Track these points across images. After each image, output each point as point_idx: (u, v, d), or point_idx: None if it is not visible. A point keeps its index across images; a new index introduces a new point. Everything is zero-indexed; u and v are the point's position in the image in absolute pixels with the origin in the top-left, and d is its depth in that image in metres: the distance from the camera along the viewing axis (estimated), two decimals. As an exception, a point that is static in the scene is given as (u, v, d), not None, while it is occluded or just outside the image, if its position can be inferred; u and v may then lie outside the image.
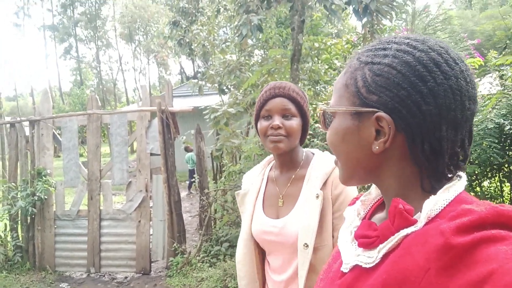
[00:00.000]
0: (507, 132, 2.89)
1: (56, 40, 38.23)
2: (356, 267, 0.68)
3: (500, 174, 3.40)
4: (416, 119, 0.62)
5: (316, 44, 6.13)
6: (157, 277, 4.99)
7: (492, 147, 2.85)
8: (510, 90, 3.25)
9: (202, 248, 5.12)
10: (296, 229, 1.34)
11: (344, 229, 0.80)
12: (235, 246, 5.09)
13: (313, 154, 1.50)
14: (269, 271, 1.47)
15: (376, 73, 0.65)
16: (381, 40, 0.71)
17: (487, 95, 3.57)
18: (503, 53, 3.92)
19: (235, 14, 4.88)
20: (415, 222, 0.62)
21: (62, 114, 5.82)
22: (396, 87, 0.63)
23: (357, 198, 0.88)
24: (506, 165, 3.23)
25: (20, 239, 5.42)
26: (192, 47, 6.59)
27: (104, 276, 5.16)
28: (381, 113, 0.64)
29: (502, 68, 3.56)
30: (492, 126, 2.79)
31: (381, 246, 0.64)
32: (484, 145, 2.88)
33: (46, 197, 5.21)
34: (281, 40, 7.46)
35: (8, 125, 5.54)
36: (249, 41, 6.41)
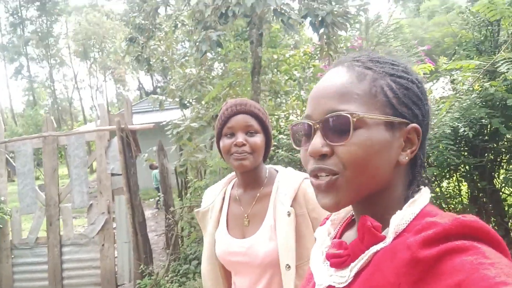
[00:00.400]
0: (461, 134, 3.01)
1: (6, 60, 36.68)
2: None
3: (457, 174, 3.54)
4: (426, 132, 0.70)
5: (275, 56, 6.22)
6: (125, 302, 4.81)
7: (448, 149, 2.96)
8: (461, 94, 3.40)
9: (170, 267, 4.99)
10: (264, 249, 1.31)
11: (316, 250, 0.79)
12: (205, 263, 4.97)
13: (277, 171, 1.48)
14: None
15: (404, 86, 0.67)
16: (374, 54, 0.72)
17: (440, 98, 3.72)
18: (453, 58, 4.12)
19: (193, 29, 4.86)
20: (383, 238, 0.62)
21: (15, 138, 5.56)
22: (421, 102, 0.69)
23: (327, 218, 0.87)
24: (462, 166, 3.37)
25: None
26: (151, 62, 6.48)
27: (67, 305, 4.91)
28: (416, 125, 0.67)
29: (452, 73, 3.72)
30: (450, 131, 2.91)
31: (352, 264, 0.64)
32: (440, 147, 2.99)
33: (1, 225, 4.91)
34: (240, 53, 7.50)
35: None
36: (209, 55, 6.39)
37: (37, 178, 6.40)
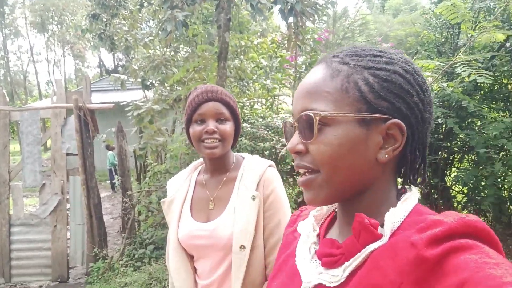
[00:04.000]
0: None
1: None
2: (318, 286, 0.66)
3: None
4: (418, 126, 0.65)
5: (243, 42, 6.16)
6: (76, 284, 4.69)
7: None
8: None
9: (126, 252, 4.90)
10: (228, 231, 1.32)
11: (301, 246, 0.77)
12: (161, 248, 4.94)
13: (243, 158, 1.50)
14: (196, 277, 1.44)
15: (383, 79, 0.63)
16: (359, 47, 0.69)
17: None
18: (415, 58, 4.25)
19: (159, 9, 4.71)
20: (380, 236, 0.61)
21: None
22: (406, 94, 0.64)
23: (301, 210, 0.87)
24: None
25: None
26: (114, 41, 6.24)
27: (15, 286, 4.73)
28: (397, 120, 0.63)
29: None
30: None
31: (346, 264, 0.63)
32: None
33: None
34: (206, 36, 7.36)
35: None
36: (175, 36, 6.24)
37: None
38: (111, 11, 5.81)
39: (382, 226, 0.63)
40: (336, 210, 0.78)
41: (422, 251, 0.53)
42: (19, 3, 35.54)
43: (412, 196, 0.66)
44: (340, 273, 0.63)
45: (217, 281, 1.35)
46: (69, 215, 4.88)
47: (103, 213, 6.41)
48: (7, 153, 4.84)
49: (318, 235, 0.77)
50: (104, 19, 5.74)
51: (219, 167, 1.45)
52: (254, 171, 1.40)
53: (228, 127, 1.39)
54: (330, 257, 0.66)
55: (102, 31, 5.82)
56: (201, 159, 1.55)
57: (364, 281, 0.58)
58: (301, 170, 0.67)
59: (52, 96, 5.03)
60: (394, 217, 0.62)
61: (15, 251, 4.79)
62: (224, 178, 1.43)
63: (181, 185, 1.50)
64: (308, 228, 0.78)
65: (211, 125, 1.35)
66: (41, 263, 4.78)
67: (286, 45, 5.08)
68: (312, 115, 0.63)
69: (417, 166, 0.70)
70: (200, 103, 1.38)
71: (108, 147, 9.56)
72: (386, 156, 0.64)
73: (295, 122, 0.68)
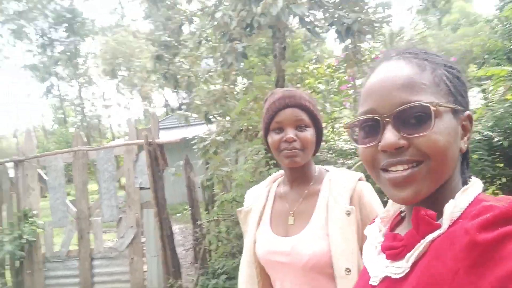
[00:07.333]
0: (495, 144, 2.93)
1: (37, 79, 38.09)
2: (385, 279, 0.68)
3: (494, 186, 3.43)
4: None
5: (299, 70, 6.24)
6: (154, 315, 4.82)
7: (482, 159, 2.88)
8: (493, 103, 3.33)
9: (199, 282, 4.98)
10: (309, 249, 1.20)
11: (368, 246, 0.80)
12: (233, 278, 4.95)
13: (327, 170, 1.39)
14: None
15: (455, 76, 0.69)
16: (416, 47, 0.73)
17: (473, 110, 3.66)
18: (482, 67, 4.05)
19: (218, 43, 4.95)
20: (439, 226, 0.62)
21: (47, 153, 5.73)
22: (467, 92, 0.71)
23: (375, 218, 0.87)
24: (498, 177, 3.26)
25: (8, 285, 5.21)
26: (177, 79, 6.61)
27: (97, 318, 4.97)
28: (470, 112, 0.70)
29: (483, 82, 3.67)
30: (480, 137, 2.85)
31: (408, 255, 0.64)
32: (474, 158, 2.91)
33: (34, 239, 5.05)
34: (263, 67, 7.56)
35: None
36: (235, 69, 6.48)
37: (68, 194, 6.56)
38: (172, 51, 6.17)
39: None
40: (403, 210, 0.79)
41: (474, 236, 0.53)
42: (91, 53, 38.96)
43: (474, 186, 0.67)
44: (403, 265, 0.64)
45: None
46: (144, 247, 5.10)
47: (176, 245, 6.59)
48: (86, 191, 5.21)
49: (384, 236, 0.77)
50: (167, 59, 6.11)
51: (300, 178, 1.35)
52: (344, 184, 1.27)
53: (309, 134, 1.29)
54: (393, 250, 0.67)
55: (166, 70, 6.17)
56: (281, 171, 1.47)
57: (426, 271, 0.59)
58: (401, 167, 0.64)
59: (124, 136, 5.37)
60: (452, 207, 0.63)
61: (97, 284, 5.06)
62: (306, 191, 1.33)
63: (259, 196, 1.43)
64: (375, 230, 0.80)
65: (290, 133, 1.26)
66: (120, 295, 5.00)
67: (345, 66, 5.07)
68: (429, 105, 0.63)
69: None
70: (277, 110, 1.29)
71: None
72: (465, 145, 0.69)
73: (385, 118, 0.65)
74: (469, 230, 0.54)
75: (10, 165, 5.42)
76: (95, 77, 39.72)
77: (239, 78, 7.89)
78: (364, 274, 0.77)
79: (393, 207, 0.81)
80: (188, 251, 7.56)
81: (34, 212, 5.22)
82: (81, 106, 38.87)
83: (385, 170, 0.67)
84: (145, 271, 5.07)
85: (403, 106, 0.64)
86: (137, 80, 34.45)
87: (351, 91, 5.92)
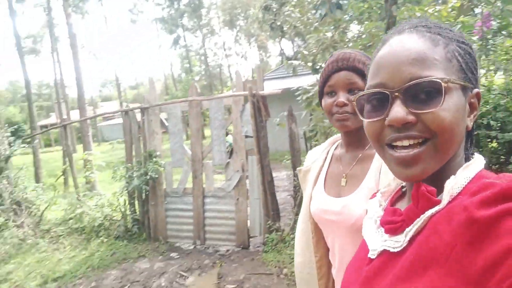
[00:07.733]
0: None
1: (166, 31, 41.20)
2: (383, 253, 0.69)
3: None
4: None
5: (418, 14, 5.73)
6: (255, 252, 5.28)
7: None
8: None
9: (295, 226, 5.25)
10: (359, 210, 1.20)
11: (368, 220, 0.82)
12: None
13: None
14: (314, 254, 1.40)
15: (467, 52, 0.68)
16: (430, 20, 0.71)
17: None
18: None
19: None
20: (438, 202, 0.62)
21: (167, 102, 6.39)
22: (476, 69, 0.69)
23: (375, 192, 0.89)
24: None
25: (137, 213, 6.17)
26: (284, 29, 6.63)
27: (208, 248, 5.62)
28: (478, 90, 0.69)
29: None
30: None
31: (407, 229, 0.65)
32: None
33: (156, 176, 5.83)
34: (379, 13, 7.08)
35: (123, 113, 6.28)
36: (344, 17, 6.21)
37: (188, 138, 7.28)
38: (280, 0, 6.17)
39: None
40: (404, 185, 0.79)
41: (472, 212, 0.54)
42: (213, 4, 40.46)
43: (475, 162, 0.66)
44: (402, 239, 0.65)
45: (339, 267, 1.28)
46: (248, 190, 5.52)
47: (282, 190, 6.96)
48: (200, 137, 5.75)
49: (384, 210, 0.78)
50: (274, 9, 6.14)
51: (354, 142, 1.34)
52: None
53: None
54: (392, 224, 0.68)
55: (272, 21, 6.24)
56: (339, 134, 1.46)
57: (423, 245, 0.60)
58: (407, 142, 0.64)
59: (232, 87, 5.70)
60: (453, 183, 0.63)
61: (208, 219, 5.69)
62: (360, 155, 1.31)
63: (318, 157, 1.46)
64: (376, 204, 0.81)
65: (342, 97, 1.25)
66: (227, 230, 5.57)
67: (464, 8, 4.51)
68: (440, 81, 0.62)
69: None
70: (330, 74, 1.28)
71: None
72: (472, 123, 0.68)
73: (394, 92, 0.65)
74: (468, 207, 0.55)
75: (138, 110, 6.21)
76: (217, 28, 41.37)
77: (352, 25, 7.55)
78: (363, 247, 0.79)
79: (395, 182, 0.82)
80: (292, 196, 7.91)
81: (157, 153, 5.97)
82: (205, 56, 41.20)
83: (391, 145, 0.66)
84: (248, 212, 5.53)
85: (413, 81, 0.63)
86: (253, 30, 35.01)
87: (475, 37, 5.28)
